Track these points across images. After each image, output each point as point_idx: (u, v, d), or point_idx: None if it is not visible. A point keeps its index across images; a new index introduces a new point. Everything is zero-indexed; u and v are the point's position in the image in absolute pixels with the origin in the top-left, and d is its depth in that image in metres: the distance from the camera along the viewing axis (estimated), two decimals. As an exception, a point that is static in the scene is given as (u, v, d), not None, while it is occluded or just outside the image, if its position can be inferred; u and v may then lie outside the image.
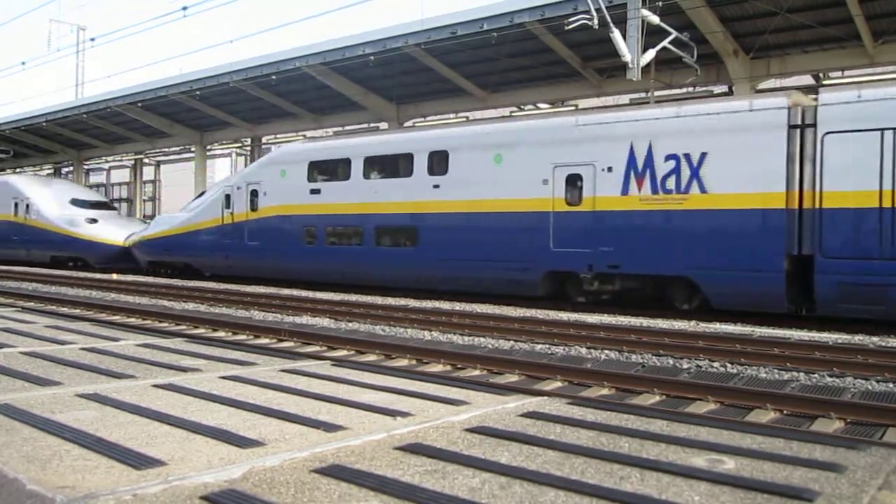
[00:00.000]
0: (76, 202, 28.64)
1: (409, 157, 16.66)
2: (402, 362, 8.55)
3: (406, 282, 16.77)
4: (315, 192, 18.46)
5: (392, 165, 17.20)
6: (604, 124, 14.04)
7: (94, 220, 27.31)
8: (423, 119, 25.74)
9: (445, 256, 15.75)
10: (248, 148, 32.12)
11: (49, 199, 28.71)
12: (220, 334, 10.61)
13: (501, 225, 14.97)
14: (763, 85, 18.76)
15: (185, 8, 21.18)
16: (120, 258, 25.85)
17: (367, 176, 17.52)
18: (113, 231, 26.76)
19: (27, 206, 28.79)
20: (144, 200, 38.14)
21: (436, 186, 16.00)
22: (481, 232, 15.23)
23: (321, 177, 18.62)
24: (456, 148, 15.86)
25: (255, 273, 20.12)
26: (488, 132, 15.74)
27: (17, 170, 41.32)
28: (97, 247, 26.63)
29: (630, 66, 14.98)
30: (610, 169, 13.66)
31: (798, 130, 11.96)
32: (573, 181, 14.18)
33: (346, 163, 17.92)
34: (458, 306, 14.14)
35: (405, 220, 16.58)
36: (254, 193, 19.77)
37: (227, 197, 20.47)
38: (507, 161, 15.07)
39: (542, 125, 15.08)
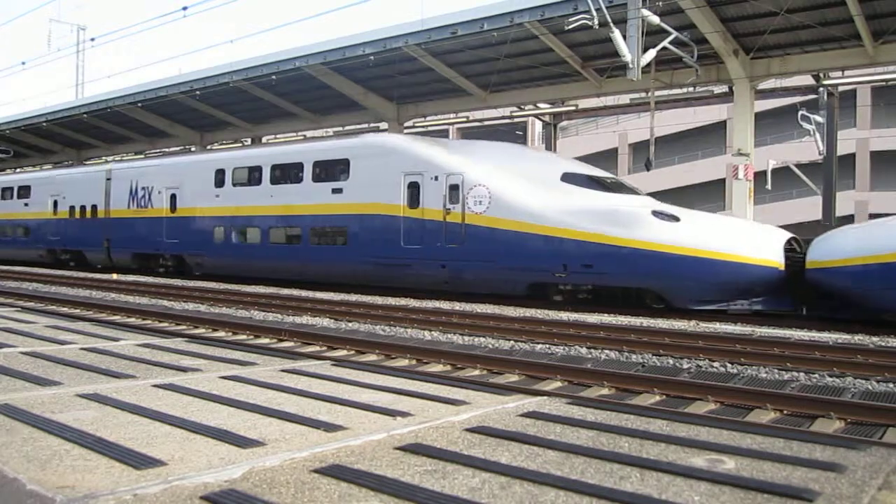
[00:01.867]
0: (573, 179, 15.39)
1: None
2: (402, 362, 8.54)
3: None
4: None
5: None
6: None
7: (670, 217, 13.78)
8: (422, 119, 25.77)
9: None
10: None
11: (516, 176, 15.47)
12: (221, 334, 10.60)
13: None
14: (763, 85, 18.78)
15: (185, 8, 21.12)
16: (756, 290, 13.01)
17: None
18: (728, 237, 13.30)
19: (453, 187, 15.69)
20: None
21: None
22: None
23: None
24: None
25: None
26: None
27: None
28: (699, 267, 12.96)
29: (630, 66, 14.98)
30: None
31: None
32: None
33: None
34: (458, 306, 14.13)
35: None
36: None
37: None
38: None
39: None
